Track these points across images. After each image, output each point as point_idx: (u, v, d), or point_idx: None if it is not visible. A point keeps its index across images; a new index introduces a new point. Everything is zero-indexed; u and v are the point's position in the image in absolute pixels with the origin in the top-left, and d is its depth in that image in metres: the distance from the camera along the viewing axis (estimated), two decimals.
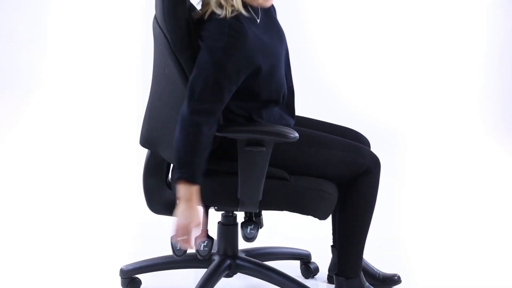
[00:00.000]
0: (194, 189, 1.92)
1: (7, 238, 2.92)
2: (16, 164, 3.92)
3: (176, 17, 1.95)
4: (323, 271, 2.54)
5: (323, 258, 2.54)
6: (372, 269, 2.43)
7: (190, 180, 1.90)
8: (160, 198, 2.21)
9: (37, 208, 3.27)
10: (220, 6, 1.94)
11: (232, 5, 1.94)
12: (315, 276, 2.54)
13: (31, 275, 2.55)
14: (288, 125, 2.15)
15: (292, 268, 2.47)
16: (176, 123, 1.92)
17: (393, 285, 2.43)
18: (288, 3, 4.74)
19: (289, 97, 2.20)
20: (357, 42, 4.81)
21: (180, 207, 1.92)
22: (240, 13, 1.96)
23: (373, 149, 2.32)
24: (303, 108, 2.65)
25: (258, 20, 2.05)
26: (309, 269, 2.54)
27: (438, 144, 4.45)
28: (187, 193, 1.91)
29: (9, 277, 2.53)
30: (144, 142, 2.18)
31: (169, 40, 1.96)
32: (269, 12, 2.15)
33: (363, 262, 2.38)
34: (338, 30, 4.82)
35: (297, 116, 2.35)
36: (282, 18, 5.06)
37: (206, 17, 1.97)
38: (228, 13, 1.94)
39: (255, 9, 2.05)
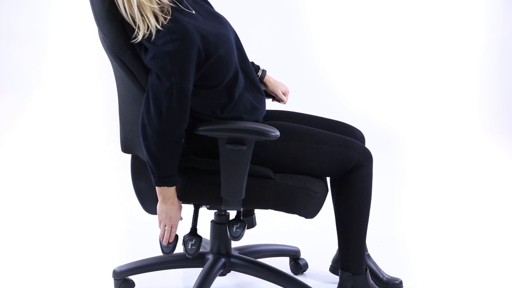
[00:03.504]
0: (172, 190, 2.02)
1: (5, 238, 2.90)
2: (16, 164, 3.92)
3: (108, 20, 1.95)
4: (312, 267, 2.55)
5: (311, 254, 2.57)
6: (379, 270, 2.41)
7: (168, 185, 2.00)
8: (152, 199, 2.17)
9: (36, 208, 3.26)
10: (156, 18, 1.91)
11: (161, 5, 1.91)
12: (304, 272, 2.55)
13: (23, 278, 2.52)
14: (261, 112, 2.15)
15: (280, 265, 2.45)
16: (145, 133, 1.94)
17: None
18: (287, 2, 4.77)
19: (253, 77, 2.17)
20: (358, 43, 4.82)
21: (161, 206, 2.04)
22: (174, 11, 1.94)
23: (373, 149, 2.30)
24: (304, 108, 2.63)
25: (194, 12, 2.03)
26: (298, 265, 2.55)
27: (438, 143, 4.45)
28: (166, 194, 2.02)
29: (1, 278, 2.51)
30: (124, 148, 2.18)
31: (108, 43, 1.97)
32: (202, 6, 2.13)
33: (370, 262, 2.39)
34: (339, 30, 4.83)
35: (288, 111, 2.34)
36: (281, 16, 5.10)
37: (152, 39, 1.92)
38: (164, 20, 1.91)
39: (185, 5, 2.02)
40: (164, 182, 1.99)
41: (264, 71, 2.32)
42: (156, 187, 2.01)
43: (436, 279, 2.56)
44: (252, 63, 2.28)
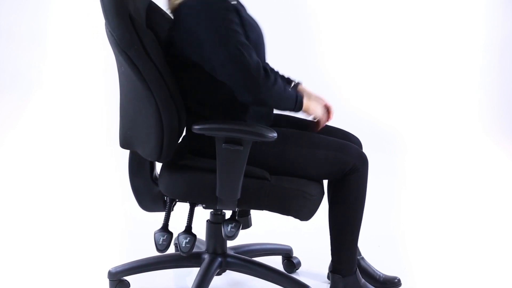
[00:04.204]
0: (304, 100, 2.10)
1: (4, 237, 2.90)
2: (16, 164, 3.92)
3: (117, 14, 1.94)
4: (308, 268, 2.56)
5: (306, 254, 2.59)
6: (374, 271, 2.41)
7: (301, 98, 2.08)
8: (149, 196, 2.20)
9: (35, 208, 3.26)
10: None
11: None
12: (297, 271, 2.57)
13: (22, 277, 2.52)
14: (269, 116, 2.17)
15: (273, 264, 2.44)
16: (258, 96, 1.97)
17: None
18: (286, 4, 4.77)
19: None
20: (358, 43, 4.83)
21: (311, 106, 2.15)
22: None
23: (373, 149, 2.30)
24: None
25: (234, 2, 2.05)
26: (291, 264, 2.56)
27: (438, 143, 4.46)
28: (306, 98, 2.12)
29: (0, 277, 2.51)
30: (123, 143, 2.18)
31: (115, 37, 1.96)
32: (241, 5, 2.16)
33: (364, 263, 2.39)
34: (338, 31, 4.83)
35: (285, 115, 2.33)
36: (280, 18, 5.09)
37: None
38: None
39: None
40: (299, 101, 2.06)
41: (298, 83, 2.33)
42: (303, 108, 2.08)
43: (436, 279, 2.55)
44: (288, 78, 2.31)
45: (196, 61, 2.00)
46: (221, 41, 1.94)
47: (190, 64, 2.02)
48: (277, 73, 2.20)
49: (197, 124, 1.98)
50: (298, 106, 2.06)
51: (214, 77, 2.00)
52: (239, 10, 2.02)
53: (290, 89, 2.05)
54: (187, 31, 1.98)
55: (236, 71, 1.95)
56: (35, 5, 4.57)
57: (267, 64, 2.07)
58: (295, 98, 2.05)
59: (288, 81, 2.29)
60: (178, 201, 2.15)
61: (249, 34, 2.02)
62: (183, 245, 2.10)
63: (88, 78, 4.56)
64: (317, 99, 2.22)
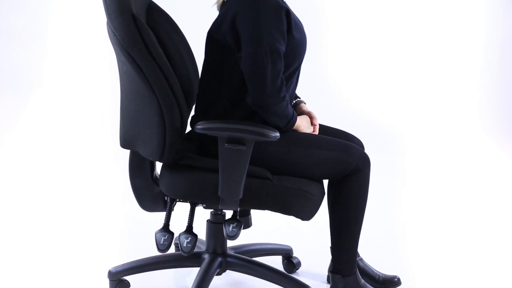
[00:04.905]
0: (296, 123, 2.14)
1: (4, 237, 2.90)
2: (16, 164, 3.92)
3: (120, 13, 1.94)
4: (308, 268, 2.57)
5: (307, 254, 2.60)
6: (372, 271, 2.41)
7: (294, 121, 2.11)
8: (149, 196, 2.20)
9: (36, 208, 3.26)
10: None
11: None
12: (297, 271, 2.57)
13: (22, 276, 2.52)
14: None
15: (273, 264, 2.45)
16: (259, 108, 2.01)
17: (393, 287, 2.41)
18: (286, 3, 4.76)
19: (294, 93, 2.25)
20: (358, 43, 4.82)
21: (301, 127, 2.17)
22: None
23: (373, 149, 2.30)
24: None
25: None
26: (291, 264, 2.57)
27: (438, 143, 4.46)
28: (297, 125, 2.14)
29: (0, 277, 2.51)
30: (123, 143, 2.18)
31: (118, 37, 1.95)
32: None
33: (363, 264, 2.40)
34: (338, 30, 4.82)
35: None
36: None
37: None
38: None
39: None
40: (291, 126, 2.08)
41: (301, 100, 2.35)
42: (294, 127, 2.12)
43: (436, 279, 2.55)
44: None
45: (232, 48, 2.02)
46: (255, 38, 1.97)
47: (227, 61, 2.04)
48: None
49: (200, 124, 1.98)
50: (287, 127, 2.07)
51: (243, 80, 2.02)
52: (290, 12, 2.03)
53: (290, 109, 2.06)
54: (232, 20, 2.00)
55: (253, 70, 1.98)
56: (35, 5, 4.56)
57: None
58: (289, 119, 2.06)
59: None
60: (179, 201, 2.15)
61: (295, 34, 2.05)
62: (185, 245, 2.10)
63: (88, 78, 4.55)
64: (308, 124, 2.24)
